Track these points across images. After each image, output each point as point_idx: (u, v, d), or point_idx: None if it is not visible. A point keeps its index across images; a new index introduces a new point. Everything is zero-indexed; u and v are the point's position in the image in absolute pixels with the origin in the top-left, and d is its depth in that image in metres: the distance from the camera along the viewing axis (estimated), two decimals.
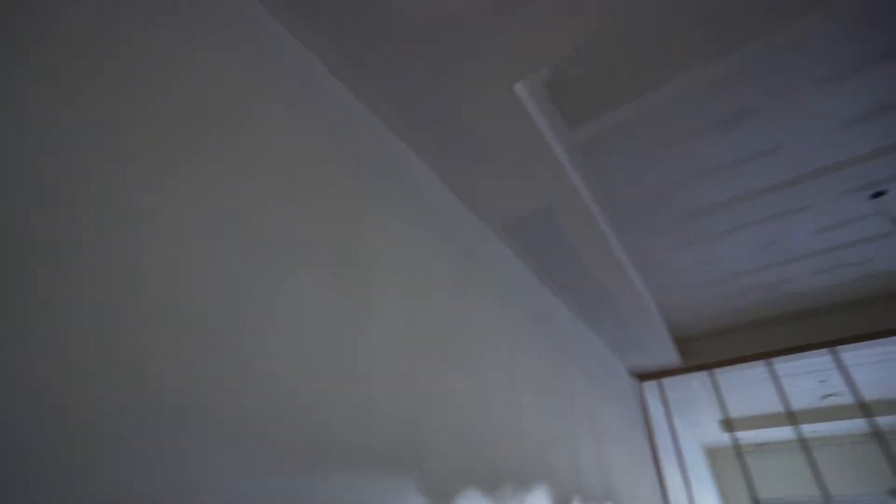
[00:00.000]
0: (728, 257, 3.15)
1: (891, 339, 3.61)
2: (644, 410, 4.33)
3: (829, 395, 5.54)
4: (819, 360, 4.17)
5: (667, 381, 4.53)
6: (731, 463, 7.39)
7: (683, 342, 4.39)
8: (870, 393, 5.33)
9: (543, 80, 1.85)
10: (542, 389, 2.24)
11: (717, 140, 2.20)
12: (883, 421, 5.69)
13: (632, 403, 4.11)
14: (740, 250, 3.08)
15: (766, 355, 3.99)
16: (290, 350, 0.99)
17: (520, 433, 1.86)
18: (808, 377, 4.93)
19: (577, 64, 1.92)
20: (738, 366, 4.13)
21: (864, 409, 4.08)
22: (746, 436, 6.73)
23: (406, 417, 1.26)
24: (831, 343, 3.75)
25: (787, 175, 2.46)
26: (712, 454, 7.73)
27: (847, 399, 5.41)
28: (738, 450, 4.47)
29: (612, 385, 3.62)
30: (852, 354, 4.03)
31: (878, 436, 5.03)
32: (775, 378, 4.18)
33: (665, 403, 4.73)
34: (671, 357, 4.09)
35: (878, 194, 2.57)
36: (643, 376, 4.50)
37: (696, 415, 5.88)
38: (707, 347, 4.26)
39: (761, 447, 7.13)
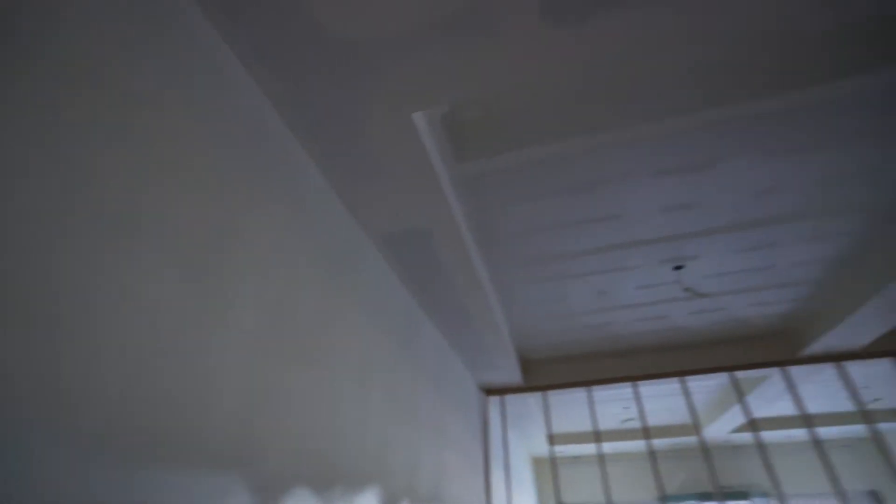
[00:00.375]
0: (570, 298, 3.71)
1: (673, 378, 4.61)
2: (485, 422, 4.77)
3: (628, 420, 6.80)
4: (624, 391, 5.11)
5: (509, 397, 5.07)
6: (551, 472, 8.56)
7: (526, 364, 4.99)
8: (653, 420, 6.74)
9: (441, 113, 2.01)
10: (393, 397, 2.36)
11: (575, 200, 2.61)
12: (657, 443, 7.24)
13: (476, 415, 4.50)
14: (580, 294, 3.65)
15: (588, 383, 4.75)
16: (117, 336, 0.92)
17: (363, 436, 1.95)
18: (615, 404, 5.99)
19: (475, 108, 2.12)
20: (566, 389, 4.83)
21: (646, 432, 5.12)
22: (567, 449, 7.89)
23: (246, 416, 1.25)
24: (634, 378, 4.63)
25: (622, 239, 3.02)
26: (538, 464, 8.83)
27: (638, 424, 6.71)
28: (553, 461, 5.20)
29: (460, 397, 3.93)
30: (647, 389, 5.03)
31: (651, 455, 6.29)
32: (592, 403, 4.98)
33: (504, 417, 5.27)
34: (515, 377, 4.60)
35: (678, 267, 3.31)
36: (490, 391, 4.96)
37: (529, 429, 6.66)
38: (544, 371, 4.90)
39: (576, 459, 8.41)
